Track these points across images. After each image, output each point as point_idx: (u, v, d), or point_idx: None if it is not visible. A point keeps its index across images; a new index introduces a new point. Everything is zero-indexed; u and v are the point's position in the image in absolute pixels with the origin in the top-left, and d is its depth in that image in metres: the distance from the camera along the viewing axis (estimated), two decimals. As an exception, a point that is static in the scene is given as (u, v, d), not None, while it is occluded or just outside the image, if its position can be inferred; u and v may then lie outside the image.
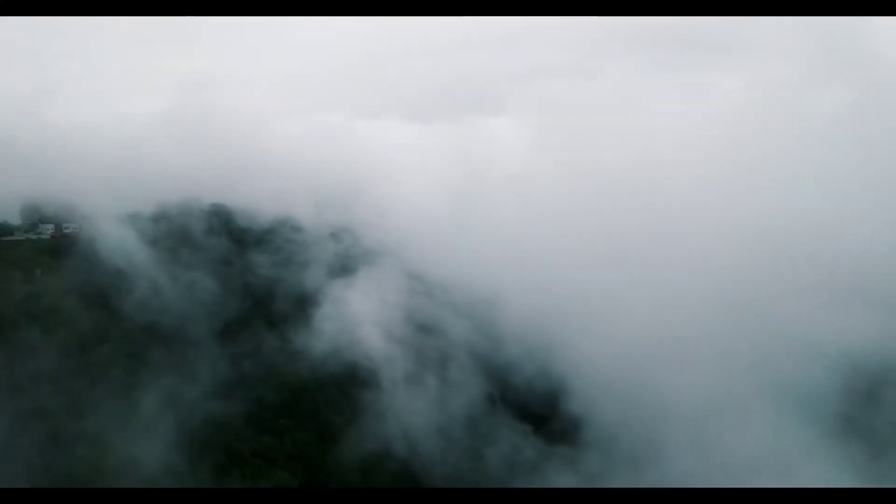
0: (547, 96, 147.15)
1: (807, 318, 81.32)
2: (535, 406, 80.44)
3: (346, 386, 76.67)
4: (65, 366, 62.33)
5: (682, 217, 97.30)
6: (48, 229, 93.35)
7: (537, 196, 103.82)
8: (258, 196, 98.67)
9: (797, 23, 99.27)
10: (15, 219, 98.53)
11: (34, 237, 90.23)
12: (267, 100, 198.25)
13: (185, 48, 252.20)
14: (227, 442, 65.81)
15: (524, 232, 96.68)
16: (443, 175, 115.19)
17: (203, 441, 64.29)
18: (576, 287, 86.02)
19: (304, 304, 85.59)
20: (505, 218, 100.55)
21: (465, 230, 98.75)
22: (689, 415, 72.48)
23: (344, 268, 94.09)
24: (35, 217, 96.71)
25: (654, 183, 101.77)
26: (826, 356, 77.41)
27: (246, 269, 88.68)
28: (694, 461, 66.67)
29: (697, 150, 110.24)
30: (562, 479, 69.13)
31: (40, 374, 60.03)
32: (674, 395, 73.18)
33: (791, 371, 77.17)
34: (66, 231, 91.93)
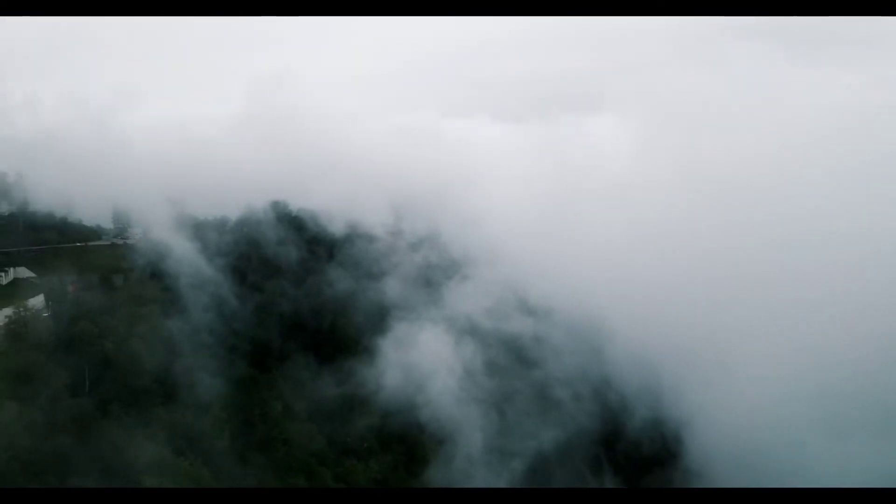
0: (653, 90, 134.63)
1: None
2: (648, 460, 69.05)
3: (433, 408, 72.03)
4: (139, 379, 59.42)
5: (818, 229, 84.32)
6: (137, 233, 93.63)
7: (646, 203, 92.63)
8: (337, 201, 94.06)
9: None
10: (108, 223, 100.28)
11: (120, 242, 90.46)
12: (348, 99, 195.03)
13: (264, 47, 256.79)
14: (308, 465, 61.77)
15: (632, 244, 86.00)
16: (537, 179, 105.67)
17: (282, 463, 60.45)
18: (695, 310, 74.66)
19: (385, 320, 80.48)
20: (609, 228, 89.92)
21: (563, 241, 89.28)
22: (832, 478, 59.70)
23: (427, 281, 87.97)
24: (125, 221, 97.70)
25: (784, 190, 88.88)
26: None
27: (325, 281, 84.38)
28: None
29: (833, 152, 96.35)
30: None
31: (112, 389, 57.22)
32: (818, 454, 60.32)
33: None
34: (152, 236, 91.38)
